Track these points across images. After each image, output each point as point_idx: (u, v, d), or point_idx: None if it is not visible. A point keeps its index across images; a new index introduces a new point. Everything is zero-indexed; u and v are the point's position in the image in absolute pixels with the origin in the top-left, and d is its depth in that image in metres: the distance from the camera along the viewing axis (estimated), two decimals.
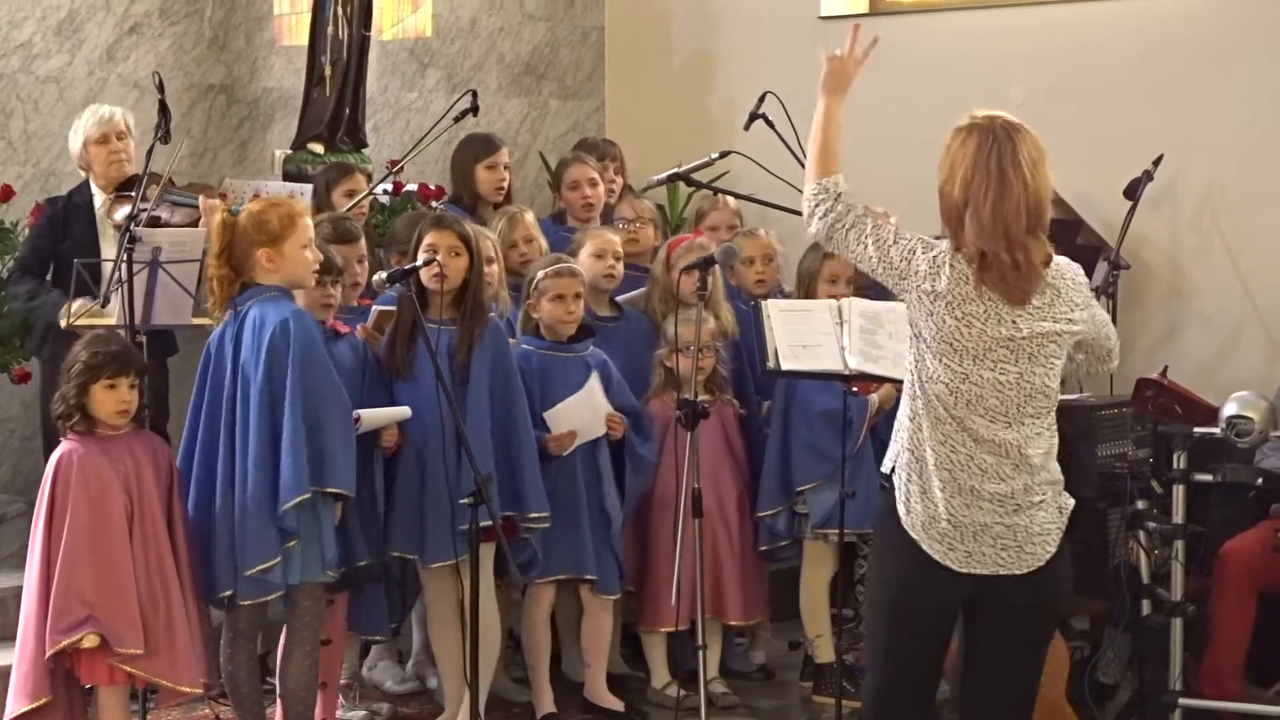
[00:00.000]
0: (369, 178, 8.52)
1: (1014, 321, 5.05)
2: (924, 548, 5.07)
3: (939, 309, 5.06)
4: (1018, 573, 5.10)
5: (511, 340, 7.18)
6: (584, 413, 7.19)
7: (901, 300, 5.21)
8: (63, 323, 7.45)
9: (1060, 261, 5.18)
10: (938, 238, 5.19)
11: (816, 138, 5.35)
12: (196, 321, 7.40)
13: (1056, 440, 5.19)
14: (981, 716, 5.29)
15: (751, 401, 7.84)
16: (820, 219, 5.24)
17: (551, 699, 7.37)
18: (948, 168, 5.11)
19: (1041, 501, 5.12)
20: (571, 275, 7.31)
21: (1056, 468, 5.19)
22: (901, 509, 5.11)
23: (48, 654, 6.11)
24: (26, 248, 8.09)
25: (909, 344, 5.19)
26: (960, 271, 5.06)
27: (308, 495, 6.22)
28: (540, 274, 7.28)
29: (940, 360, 5.07)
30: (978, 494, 5.05)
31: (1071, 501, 5.23)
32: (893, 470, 5.18)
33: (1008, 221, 5.00)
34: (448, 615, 6.90)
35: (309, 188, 8.57)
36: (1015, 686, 5.27)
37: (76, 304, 7.31)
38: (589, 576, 7.30)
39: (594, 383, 7.23)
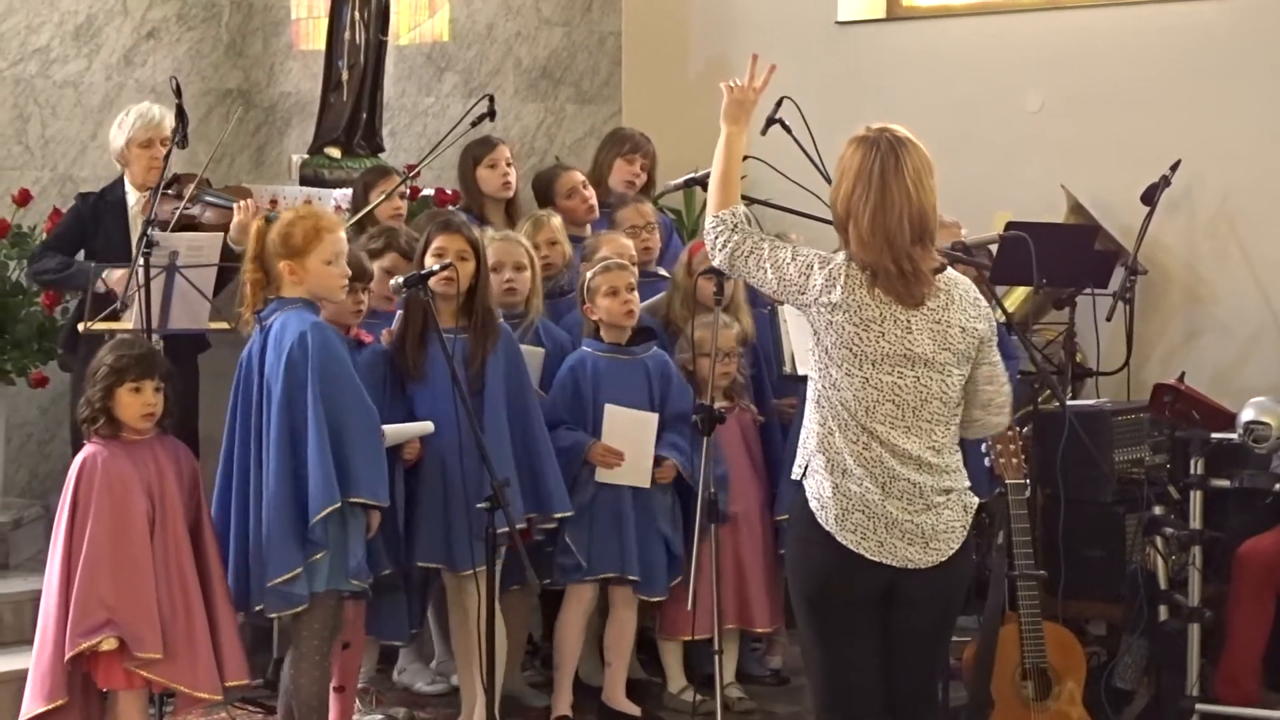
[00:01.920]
0: None
1: (909, 323, 5.18)
2: (839, 539, 5.21)
3: (838, 318, 5.19)
4: (923, 567, 5.25)
5: (527, 349, 7.20)
6: (633, 439, 7.21)
7: (804, 314, 5.32)
8: (109, 278, 7.51)
9: (955, 274, 5.33)
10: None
11: (717, 169, 5.47)
12: (213, 326, 7.42)
13: (957, 443, 5.33)
14: (902, 703, 5.39)
15: (769, 406, 7.83)
16: (721, 250, 5.39)
17: (569, 702, 7.38)
18: (836, 180, 5.27)
19: (947, 500, 5.26)
20: (621, 268, 7.35)
21: (960, 468, 5.33)
22: (815, 505, 5.24)
23: (67, 656, 6.11)
24: (51, 236, 8.10)
25: (813, 354, 5.31)
26: (855, 279, 5.19)
27: (338, 505, 6.22)
28: (590, 274, 7.32)
29: (842, 367, 5.21)
30: (888, 491, 5.20)
31: (976, 500, 5.37)
32: (804, 475, 5.30)
33: (889, 232, 5.13)
34: (470, 621, 6.90)
35: (336, 193, 8.61)
36: (925, 673, 5.45)
37: (116, 274, 7.31)
38: (631, 577, 7.28)
39: (651, 421, 7.25)
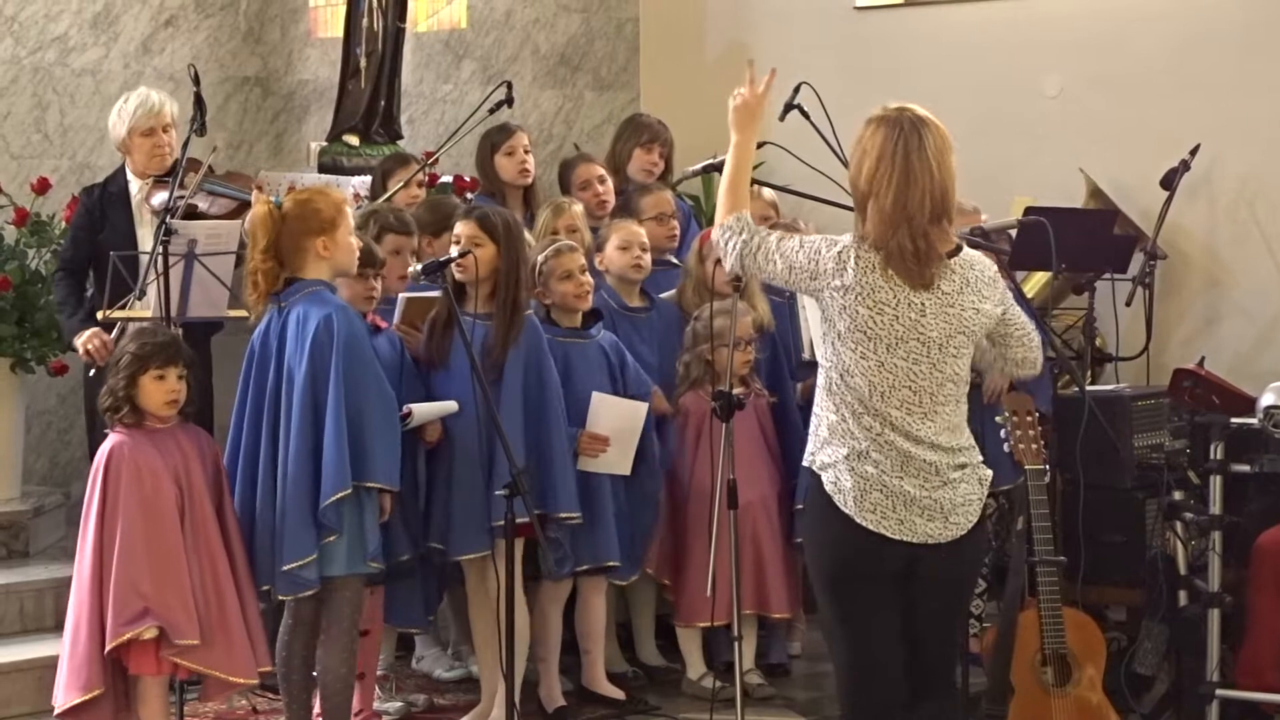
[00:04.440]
0: None
1: (922, 306, 5.20)
2: (858, 521, 5.23)
3: (850, 301, 5.21)
4: (943, 542, 5.27)
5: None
6: (621, 427, 7.18)
7: (816, 300, 5.34)
8: (78, 342, 7.48)
9: (972, 254, 5.35)
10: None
11: (727, 176, 5.52)
12: (232, 314, 7.42)
13: (965, 420, 5.36)
14: (921, 679, 5.41)
15: (786, 392, 7.82)
16: (731, 255, 5.42)
17: (561, 692, 7.37)
18: (856, 159, 5.29)
19: (963, 474, 5.30)
20: (571, 250, 7.31)
21: (972, 445, 5.38)
22: (831, 489, 5.26)
23: (109, 646, 6.12)
24: (67, 243, 8.09)
25: (824, 342, 5.33)
26: (866, 261, 5.21)
27: (349, 491, 6.23)
28: (540, 258, 7.25)
29: (856, 351, 5.23)
30: (905, 470, 5.22)
31: (990, 473, 5.41)
32: (815, 462, 5.33)
33: (910, 210, 5.16)
34: (488, 608, 6.90)
35: (354, 180, 8.62)
36: (944, 650, 5.49)
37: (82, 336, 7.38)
38: (611, 563, 7.26)
39: (643, 410, 7.24)
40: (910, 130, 5.19)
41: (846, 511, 5.23)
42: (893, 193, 5.16)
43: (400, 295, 7.14)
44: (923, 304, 5.19)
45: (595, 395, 7.16)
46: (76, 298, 7.92)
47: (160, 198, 7.64)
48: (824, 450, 5.30)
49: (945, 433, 5.26)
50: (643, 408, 7.25)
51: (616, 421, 7.18)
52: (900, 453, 5.21)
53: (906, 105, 5.28)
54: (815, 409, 5.37)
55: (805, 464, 5.38)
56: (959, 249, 5.28)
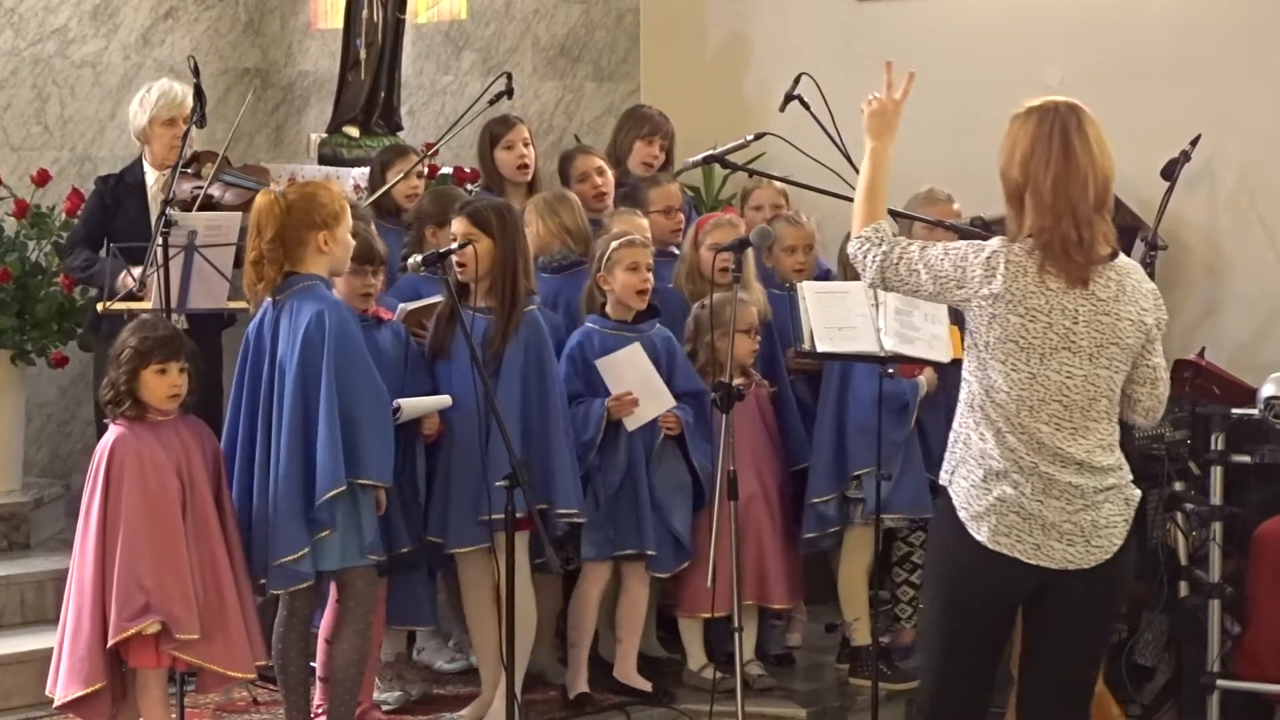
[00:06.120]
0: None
1: (1075, 312, 5.00)
2: (990, 547, 5.05)
3: (1001, 310, 5.01)
4: (1085, 567, 5.08)
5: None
6: (633, 375, 7.15)
7: (964, 312, 5.15)
8: (100, 307, 7.49)
9: (1129, 262, 5.14)
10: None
11: (864, 184, 5.29)
12: (232, 305, 7.41)
13: (1117, 439, 5.15)
14: (1043, 707, 5.28)
15: (783, 383, 7.81)
16: (871, 266, 5.20)
17: (586, 679, 7.37)
18: (1008, 150, 5.08)
19: (1107, 496, 5.09)
20: (643, 245, 7.30)
21: (1123, 464, 5.17)
22: (964, 513, 5.09)
23: (111, 641, 6.11)
24: (79, 224, 8.09)
25: (968, 356, 5.14)
26: (1017, 265, 5.01)
27: (343, 489, 6.23)
28: (612, 246, 7.25)
29: (1006, 363, 5.03)
30: (1047, 493, 5.03)
31: (1138, 493, 5.20)
32: (950, 481, 5.16)
33: (1072, 196, 4.96)
34: (484, 600, 6.90)
35: (354, 171, 8.61)
36: (1078, 675, 5.28)
37: (135, 271, 7.31)
38: (650, 552, 7.28)
39: (636, 350, 7.19)
40: (1068, 113, 5.02)
41: (979, 538, 5.06)
42: (1052, 177, 4.96)
43: (400, 306, 7.12)
44: (1076, 310, 4.99)
45: (597, 362, 7.16)
46: (98, 257, 7.90)
47: (183, 187, 7.64)
48: (960, 469, 5.13)
49: (1097, 451, 5.06)
50: (636, 347, 7.18)
51: (625, 374, 7.15)
52: (1042, 477, 5.02)
53: (1057, 97, 5.10)
54: (955, 425, 5.19)
55: (941, 480, 5.21)
56: (1115, 254, 5.07)
